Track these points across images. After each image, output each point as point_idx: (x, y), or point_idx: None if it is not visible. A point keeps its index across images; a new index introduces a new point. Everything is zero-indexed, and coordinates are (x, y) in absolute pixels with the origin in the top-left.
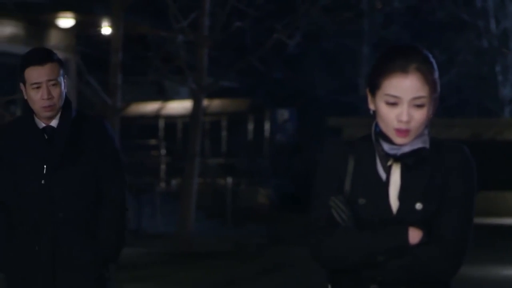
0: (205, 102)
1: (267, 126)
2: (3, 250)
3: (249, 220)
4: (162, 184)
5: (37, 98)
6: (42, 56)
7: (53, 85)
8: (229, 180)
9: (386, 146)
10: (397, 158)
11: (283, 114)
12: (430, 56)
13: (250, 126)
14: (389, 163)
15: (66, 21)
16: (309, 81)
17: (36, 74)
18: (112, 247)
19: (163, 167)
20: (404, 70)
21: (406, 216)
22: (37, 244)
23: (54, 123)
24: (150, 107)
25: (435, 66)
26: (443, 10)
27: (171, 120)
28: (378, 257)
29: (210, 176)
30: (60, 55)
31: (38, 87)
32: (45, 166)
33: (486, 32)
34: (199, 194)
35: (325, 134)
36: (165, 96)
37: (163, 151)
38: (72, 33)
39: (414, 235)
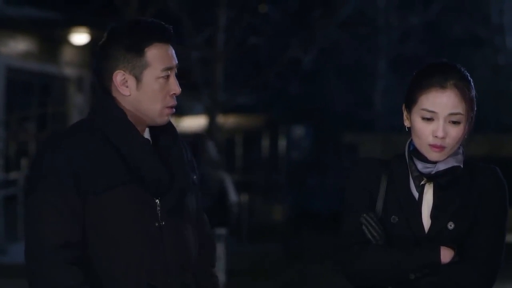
0: (220, 119)
1: (282, 142)
2: None
3: (265, 237)
4: None
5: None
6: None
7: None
8: (245, 196)
9: (419, 165)
10: (430, 177)
11: (299, 130)
12: (468, 74)
13: (266, 143)
14: (422, 182)
15: (80, 37)
16: (325, 97)
17: (167, 53)
18: None
19: None
20: (442, 85)
21: (438, 235)
22: None
23: (147, 134)
24: None
25: (472, 84)
26: (460, 26)
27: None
28: (410, 275)
29: None
30: (75, 72)
31: (167, 76)
32: (157, 201)
33: (503, 48)
34: None
35: (341, 150)
36: (180, 112)
37: None
38: (87, 50)
39: (446, 254)
